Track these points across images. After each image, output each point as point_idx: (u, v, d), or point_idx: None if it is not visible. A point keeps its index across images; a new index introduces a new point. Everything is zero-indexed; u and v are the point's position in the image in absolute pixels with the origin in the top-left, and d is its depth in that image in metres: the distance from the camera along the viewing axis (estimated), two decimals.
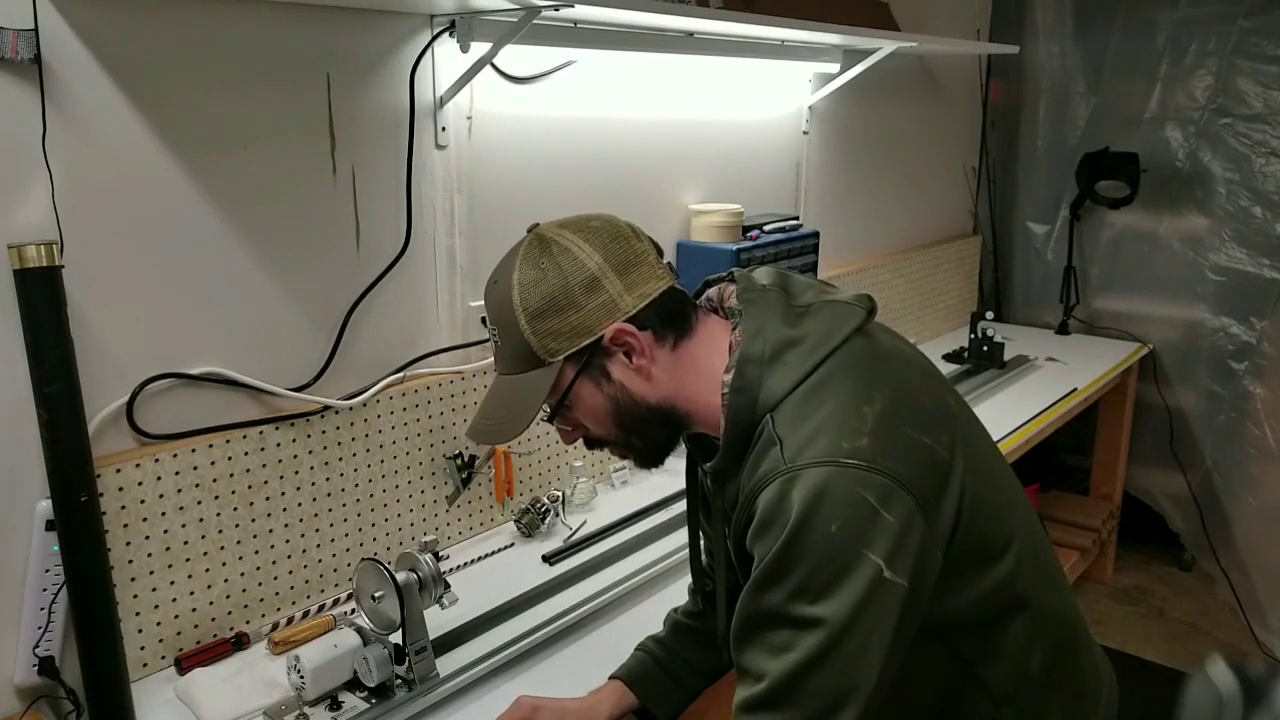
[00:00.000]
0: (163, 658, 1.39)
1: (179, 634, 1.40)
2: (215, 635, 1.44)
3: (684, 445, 1.17)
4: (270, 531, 1.49)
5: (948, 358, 2.96)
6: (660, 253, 1.06)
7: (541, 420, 1.06)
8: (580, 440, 1.10)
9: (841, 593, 0.86)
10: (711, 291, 1.11)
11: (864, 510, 0.87)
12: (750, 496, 0.93)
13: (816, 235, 2.35)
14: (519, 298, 0.99)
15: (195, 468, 1.38)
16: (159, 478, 1.34)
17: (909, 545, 0.88)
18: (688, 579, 1.34)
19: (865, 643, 0.87)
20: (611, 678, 1.29)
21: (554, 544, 1.76)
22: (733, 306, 1.04)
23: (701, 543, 1.26)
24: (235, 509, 1.44)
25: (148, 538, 1.34)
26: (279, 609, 1.52)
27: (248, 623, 1.48)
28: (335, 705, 1.28)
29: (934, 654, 0.99)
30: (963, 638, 0.99)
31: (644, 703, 1.26)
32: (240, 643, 1.43)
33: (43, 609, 1.23)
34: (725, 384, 0.98)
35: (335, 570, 1.59)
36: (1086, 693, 1.09)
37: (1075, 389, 2.72)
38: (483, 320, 1.08)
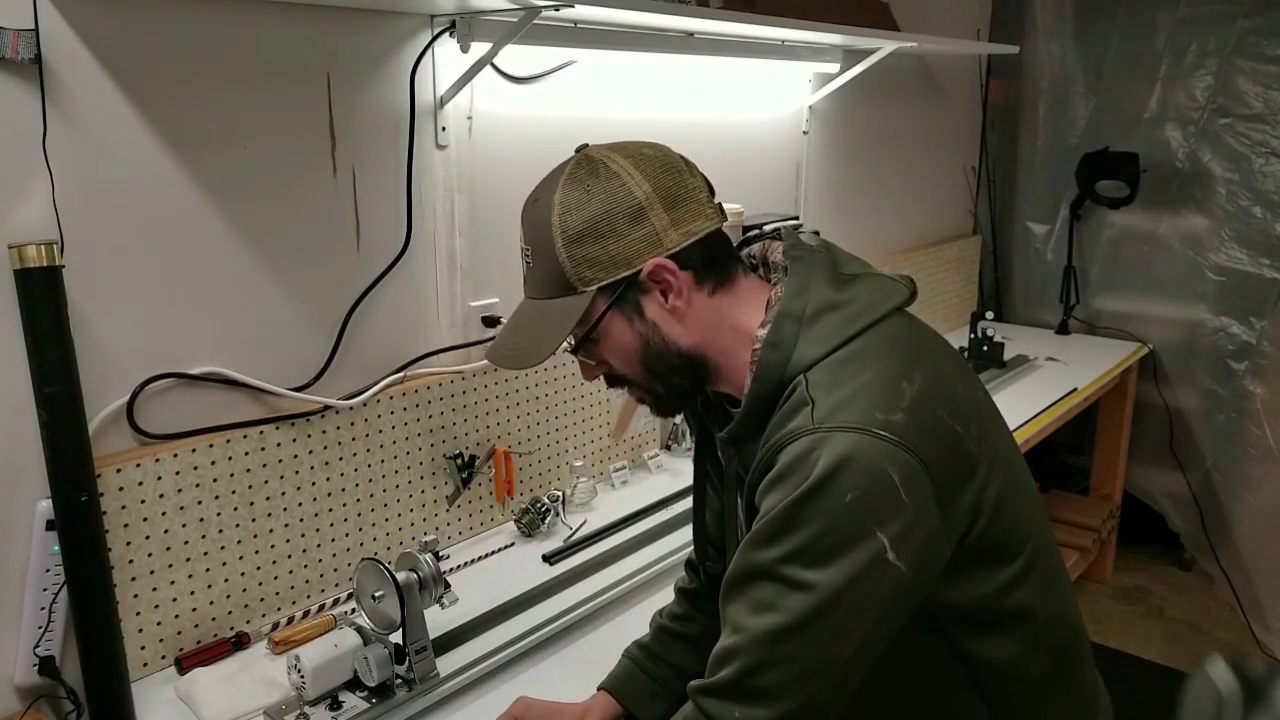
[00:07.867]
0: (163, 657, 1.39)
1: (179, 634, 1.40)
2: (215, 635, 1.44)
3: (697, 416, 1.14)
4: (270, 531, 1.49)
5: None
6: (712, 192, 1.01)
7: (565, 350, 1.02)
8: (600, 379, 1.05)
9: (839, 563, 0.84)
10: (755, 248, 1.07)
11: (885, 486, 0.84)
12: (773, 449, 0.90)
13: (817, 235, 2.35)
14: (558, 219, 0.95)
15: (195, 468, 1.38)
16: (159, 478, 1.34)
17: (918, 533, 0.86)
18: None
19: (850, 619, 0.86)
20: (599, 688, 1.27)
21: (554, 544, 1.76)
22: (777, 261, 1.00)
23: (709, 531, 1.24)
24: (235, 509, 1.44)
25: (148, 538, 1.34)
26: (279, 609, 1.52)
27: (248, 622, 1.48)
28: (335, 705, 1.28)
29: (930, 648, 0.97)
30: (962, 634, 0.98)
31: (630, 710, 1.24)
32: (240, 642, 1.43)
33: (43, 609, 1.23)
34: (758, 339, 0.95)
35: (335, 570, 1.59)
36: (1084, 706, 1.07)
37: (1075, 389, 2.72)
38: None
